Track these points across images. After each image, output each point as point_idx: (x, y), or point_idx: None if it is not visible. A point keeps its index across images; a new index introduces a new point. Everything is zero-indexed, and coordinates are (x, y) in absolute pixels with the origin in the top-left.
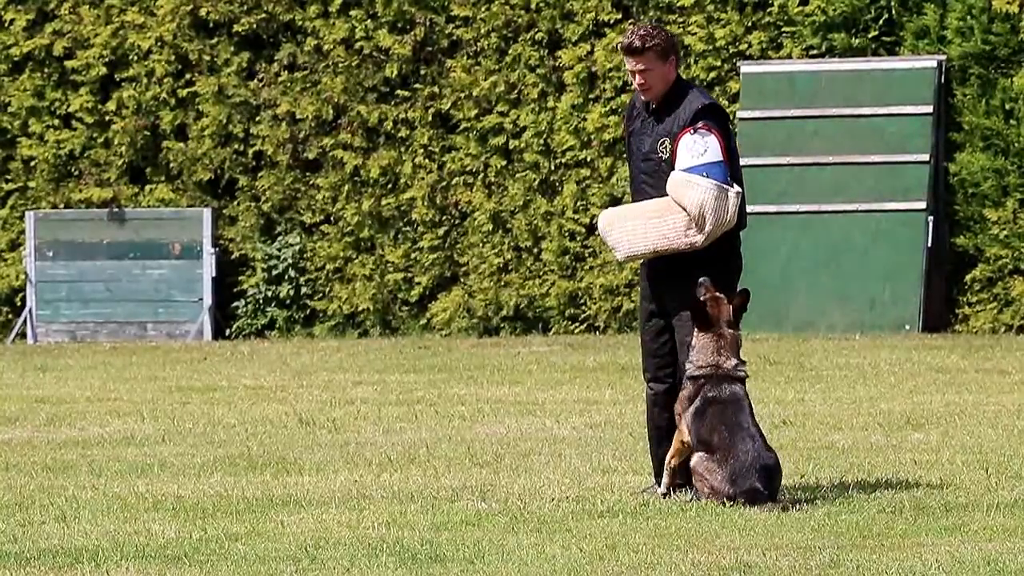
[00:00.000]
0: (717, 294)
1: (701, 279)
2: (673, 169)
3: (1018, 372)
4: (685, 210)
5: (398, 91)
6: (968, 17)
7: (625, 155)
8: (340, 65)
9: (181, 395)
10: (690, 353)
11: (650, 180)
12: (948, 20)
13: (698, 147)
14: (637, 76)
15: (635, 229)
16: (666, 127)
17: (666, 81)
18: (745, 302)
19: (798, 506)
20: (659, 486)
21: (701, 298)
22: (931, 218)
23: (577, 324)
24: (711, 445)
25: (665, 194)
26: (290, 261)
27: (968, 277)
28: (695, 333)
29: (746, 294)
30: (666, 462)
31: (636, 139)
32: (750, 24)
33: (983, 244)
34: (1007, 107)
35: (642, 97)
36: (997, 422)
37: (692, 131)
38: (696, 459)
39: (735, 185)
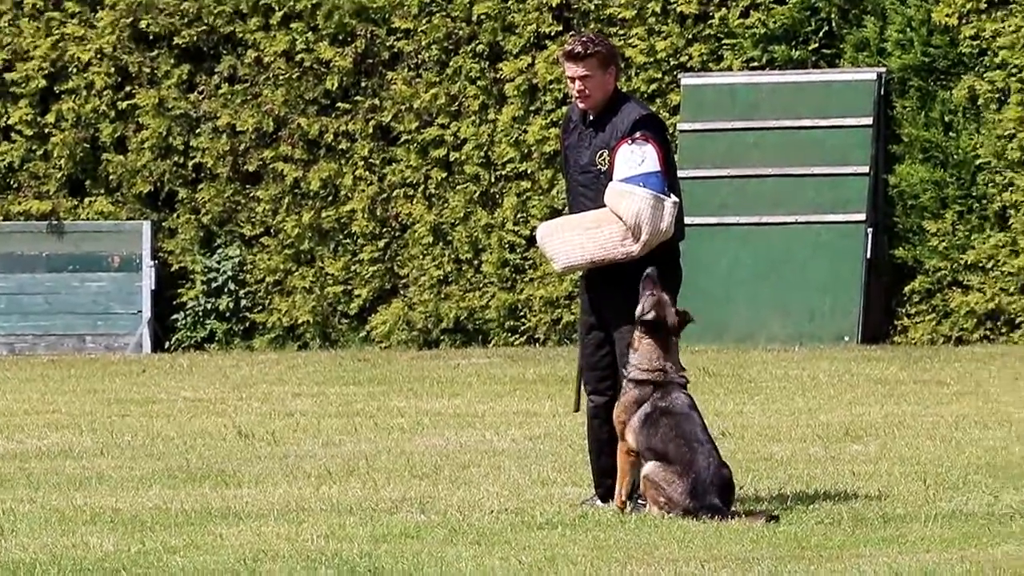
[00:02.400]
0: (663, 296)
1: (648, 270)
2: (612, 180)
3: (956, 383)
4: (622, 220)
5: (339, 103)
6: (908, 30)
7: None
8: (280, 77)
9: (120, 408)
10: (631, 355)
11: (588, 192)
12: (888, 32)
13: (635, 157)
14: (577, 83)
15: (573, 240)
16: (604, 139)
17: (605, 91)
18: (686, 322)
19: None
20: (598, 500)
21: (648, 306)
22: (870, 230)
23: (517, 336)
24: (667, 456)
25: (603, 206)
26: (230, 273)
27: (907, 289)
28: (638, 336)
29: (688, 315)
30: (619, 483)
31: (573, 152)
32: (691, 36)
33: (922, 256)
34: (946, 119)
35: (580, 106)
36: (935, 433)
37: (630, 141)
38: (651, 467)
39: (672, 195)
